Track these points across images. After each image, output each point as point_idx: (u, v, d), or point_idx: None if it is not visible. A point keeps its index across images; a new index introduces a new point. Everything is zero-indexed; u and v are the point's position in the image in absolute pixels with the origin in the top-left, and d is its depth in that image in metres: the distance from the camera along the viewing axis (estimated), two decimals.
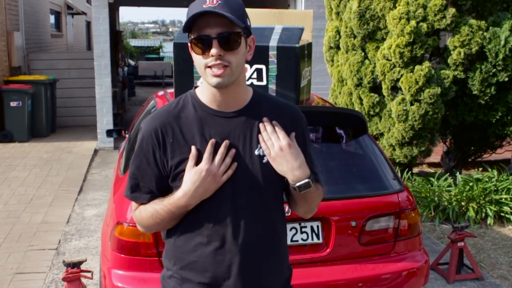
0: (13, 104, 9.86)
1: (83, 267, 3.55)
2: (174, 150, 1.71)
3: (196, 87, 1.80)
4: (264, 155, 1.72)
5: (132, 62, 25.14)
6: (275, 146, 1.69)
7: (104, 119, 9.61)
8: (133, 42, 32.90)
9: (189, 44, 1.67)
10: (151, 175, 1.75)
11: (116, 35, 14.53)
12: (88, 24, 22.32)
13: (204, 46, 1.63)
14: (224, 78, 1.64)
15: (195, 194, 1.68)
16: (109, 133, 5.83)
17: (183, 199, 1.69)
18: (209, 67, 1.64)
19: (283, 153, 1.69)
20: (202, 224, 1.72)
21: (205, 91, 1.74)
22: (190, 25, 1.64)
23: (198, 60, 1.66)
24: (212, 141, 1.69)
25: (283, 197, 1.85)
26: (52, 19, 16.55)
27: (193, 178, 1.67)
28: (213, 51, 1.61)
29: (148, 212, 1.75)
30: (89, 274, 3.56)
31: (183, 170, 1.70)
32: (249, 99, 1.76)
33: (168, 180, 1.75)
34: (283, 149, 1.69)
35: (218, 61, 1.62)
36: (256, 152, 1.72)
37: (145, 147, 1.74)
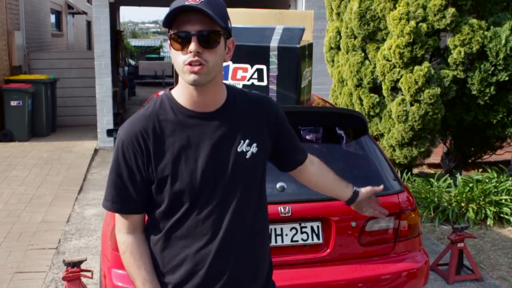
0: (13, 103, 9.87)
1: (83, 266, 3.55)
2: (157, 154, 1.68)
3: (171, 88, 1.79)
4: (247, 151, 1.74)
5: (132, 62, 25.15)
6: None
7: (105, 118, 9.62)
8: (134, 42, 32.91)
9: (168, 39, 1.67)
10: (135, 184, 1.71)
11: (116, 35, 14.54)
12: (89, 24, 22.32)
13: (183, 42, 1.62)
14: (200, 76, 1.62)
15: None
16: (109, 132, 5.83)
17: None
18: (188, 64, 1.62)
19: None
20: (191, 222, 1.72)
21: (182, 92, 1.72)
22: (171, 21, 1.64)
23: (176, 56, 1.65)
24: None
25: (265, 193, 1.89)
26: (52, 18, 16.55)
27: None
28: (192, 47, 1.60)
29: (128, 258, 1.76)
30: (89, 274, 3.56)
31: (167, 176, 1.68)
32: (225, 98, 1.77)
33: (151, 187, 1.72)
34: None
35: (196, 58, 1.61)
36: (239, 149, 1.74)
37: (126, 154, 1.69)
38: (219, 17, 1.62)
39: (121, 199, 1.73)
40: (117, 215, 1.79)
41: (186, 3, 1.60)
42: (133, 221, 1.77)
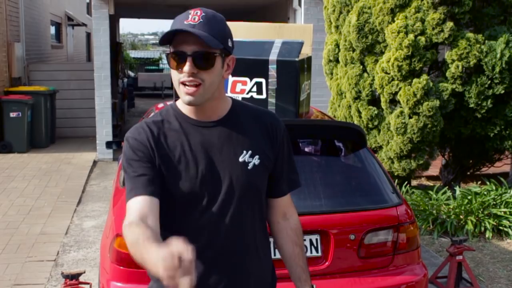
0: (12, 114, 9.88)
1: (81, 279, 3.55)
2: (159, 160, 1.70)
3: (177, 99, 1.81)
4: (249, 162, 1.75)
5: (131, 74, 25.22)
6: None
7: (104, 130, 9.63)
8: (133, 54, 33.06)
9: (166, 56, 1.70)
10: (149, 170, 1.67)
11: (116, 47, 14.58)
12: (88, 35, 22.40)
13: (180, 61, 1.64)
14: (196, 97, 1.65)
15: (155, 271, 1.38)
16: (108, 144, 5.85)
17: (149, 265, 1.41)
18: (182, 83, 1.65)
19: None
20: (188, 229, 1.70)
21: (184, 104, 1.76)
22: (168, 39, 1.66)
23: (174, 74, 1.68)
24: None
25: (266, 204, 1.88)
26: (52, 30, 16.62)
27: (164, 261, 1.32)
28: (186, 68, 1.63)
29: (133, 237, 1.51)
30: (87, 286, 3.55)
31: (167, 181, 1.68)
32: (228, 108, 1.79)
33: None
34: None
35: (191, 78, 1.63)
36: (241, 159, 1.74)
37: (136, 151, 1.69)
38: (217, 37, 1.63)
39: (140, 184, 1.64)
40: (128, 208, 1.66)
41: (185, 22, 1.62)
42: (148, 206, 1.63)
